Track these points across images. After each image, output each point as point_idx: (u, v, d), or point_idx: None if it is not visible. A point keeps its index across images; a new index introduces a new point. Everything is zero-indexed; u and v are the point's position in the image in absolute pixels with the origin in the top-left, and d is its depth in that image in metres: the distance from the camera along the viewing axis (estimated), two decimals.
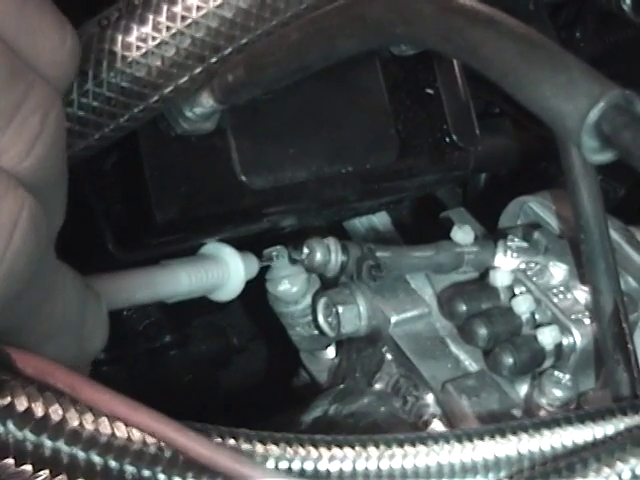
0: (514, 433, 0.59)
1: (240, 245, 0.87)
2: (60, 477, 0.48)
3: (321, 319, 0.83)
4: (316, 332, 0.86)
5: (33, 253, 0.49)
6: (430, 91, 0.92)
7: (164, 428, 0.49)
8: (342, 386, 0.84)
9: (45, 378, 0.51)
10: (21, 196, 0.48)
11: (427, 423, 0.76)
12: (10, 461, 0.48)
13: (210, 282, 0.81)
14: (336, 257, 0.80)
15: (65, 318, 0.56)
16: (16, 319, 0.52)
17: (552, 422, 0.60)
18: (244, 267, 0.83)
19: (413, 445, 0.57)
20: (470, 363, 0.79)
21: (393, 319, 0.80)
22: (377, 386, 0.81)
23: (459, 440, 0.58)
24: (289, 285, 0.86)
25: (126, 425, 0.50)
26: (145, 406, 0.50)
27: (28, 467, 0.48)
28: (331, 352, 0.92)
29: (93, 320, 0.60)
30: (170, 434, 0.49)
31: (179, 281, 0.79)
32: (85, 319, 0.59)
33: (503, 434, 0.59)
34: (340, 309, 0.80)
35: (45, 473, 0.48)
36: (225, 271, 0.82)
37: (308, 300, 0.87)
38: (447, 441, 0.58)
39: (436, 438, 0.58)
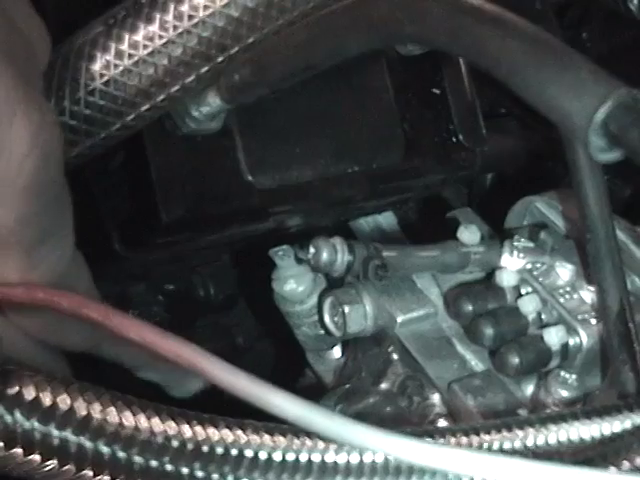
0: (521, 427, 0.59)
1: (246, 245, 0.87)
2: (68, 467, 0.49)
3: (327, 319, 0.83)
4: (322, 332, 0.86)
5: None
6: (436, 91, 0.92)
7: (190, 353, 0.50)
8: (348, 386, 0.84)
9: (79, 310, 0.52)
10: None
11: (433, 423, 0.76)
12: (18, 450, 0.48)
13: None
14: (342, 257, 0.79)
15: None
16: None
17: (558, 417, 0.60)
18: None
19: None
20: (476, 363, 0.78)
21: (399, 319, 0.80)
22: (383, 386, 0.81)
23: (466, 434, 0.58)
24: (295, 285, 0.86)
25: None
26: (172, 334, 0.50)
27: (36, 457, 0.48)
28: (337, 352, 0.92)
29: None
30: (196, 359, 0.50)
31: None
32: None
33: (510, 428, 0.59)
34: (346, 309, 0.80)
35: (53, 463, 0.48)
36: None
37: (314, 300, 0.87)
38: (454, 435, 0.58)
39: (443, 432, 0.58)
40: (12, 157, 0.51)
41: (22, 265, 0.56)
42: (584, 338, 0.76)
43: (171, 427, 0.51)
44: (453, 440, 0.58)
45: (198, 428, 0.52)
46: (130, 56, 0.66)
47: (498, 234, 0.86)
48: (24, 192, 0.53)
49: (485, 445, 0.58)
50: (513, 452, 0.58)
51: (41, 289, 0.54)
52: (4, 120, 0.50)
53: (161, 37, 0.65)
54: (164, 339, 0.50)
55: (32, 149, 0.52)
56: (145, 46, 0.65)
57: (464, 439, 0.58)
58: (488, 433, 0.59)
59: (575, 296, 0.79)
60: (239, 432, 0.53)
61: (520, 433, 0.59)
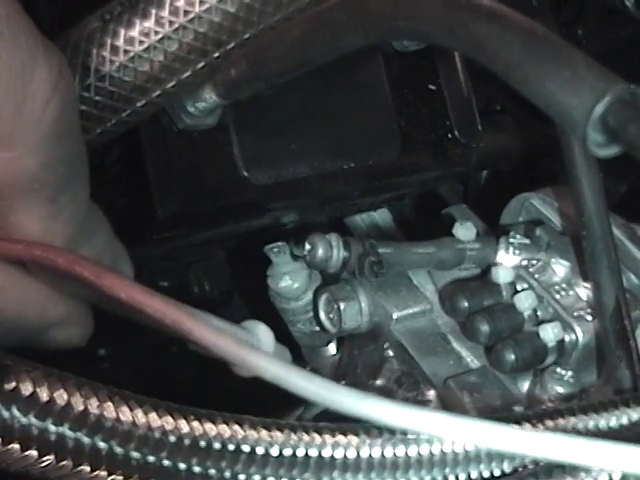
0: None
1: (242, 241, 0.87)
2: (65, 462, 0.49)
3: (322, 315, 0.82)
4: (317, 328, 0.86)
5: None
6: (432, 87, 0.92)
7: (176, 312, 0.50)
8: (343, 382, 0.84)
9: (73, 267, 0.52)
10: None
11: None
12: (15, 446, 0.48)
13: None
14: (338, 253, 0.79)
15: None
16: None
17: (555, 412, 0.60)
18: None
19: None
20: (472, 359, 0.78)
21: (395, 315, 0.80)
22: (378, 382, 0.81)
23: None
24: (290, 281, 0.86)
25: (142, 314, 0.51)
26: (160, 293, 0.51)
27: (33, 452, 0.48)
28: (332, 348, 0.92)
29: (122, 253, 0.68)
30: (181, 319, 0.50)
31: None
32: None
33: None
34: (341, 305, 0.80)
35: (50, 458, 0.48)
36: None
37: (309, 296, 0.87)
38: None
39: None
40: (35, 104, 0.52)
41: (45, 213, 0.57)
42: (580, 335, 0.76)
43: (168, 422, 0.51)
44: None
45: (195, 423, 0.52)
46: (126, 52, 0.65)
47: (494, 231, 0.87)
48: (47, 138, 0.53)
49: None
50: None
51: (39, 246, 0.55)
52: (27, 67, 0.51)
53: (157, 33, 0.65)
54: (152, 299, 0.50)
55: (53, 95, 0.53)
56: (141, 42, 0.65)
57: None
58: None
59: (571, 293, 0.79)
60: (236, 427, 0.53)
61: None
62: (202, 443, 0.52)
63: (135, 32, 0.65)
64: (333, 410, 0.51)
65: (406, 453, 0.56)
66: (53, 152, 0.55)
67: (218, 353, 0.49)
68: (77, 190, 0.59)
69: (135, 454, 0.50)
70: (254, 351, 0.49)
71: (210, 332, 0.49)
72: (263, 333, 0.79)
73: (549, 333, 0.76)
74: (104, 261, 0.63)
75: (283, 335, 0.90)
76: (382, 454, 0.55)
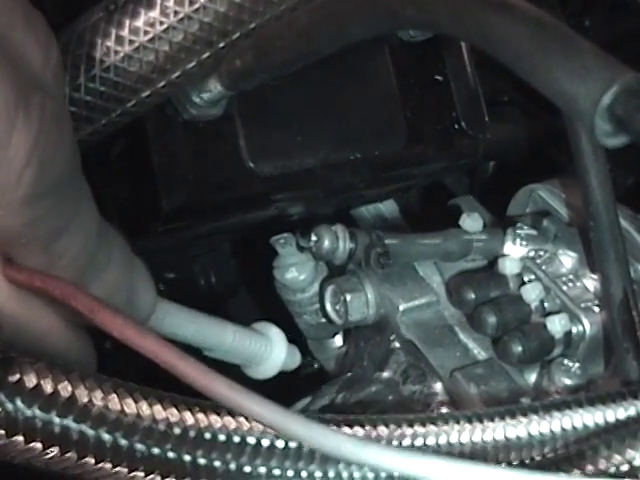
0: (524, 415, 0.59)
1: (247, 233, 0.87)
2: (69, 455, 0.48)
3: (329, 307, 0.82)
4: (323, 320, 0.86)
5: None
6: (439, 78, 0.92)
7: (168, 353, 0.49)
8: (349, 374, 0.84)
9: (69, 300, 0.52)
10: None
11: (435, 411, 0.76)
12: (19, 438, 0.48)
13: (250, 351, 0.81)
14: (344, 244, 0.79)
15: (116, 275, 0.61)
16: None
17: (562, 404, 0.60)
18: (286, 354, 0.82)
19: (423, 425, 0.57)
20: (479, 351, 0.78)
21: (401, 307, 0.79)
22: (385, 374, 0.80)
23: (469, 421, 0.58)
24: (297, 273, 0.86)
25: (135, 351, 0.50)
26: (153, 333, 0.50)
27: (38, 444, 0.48)
28: (339, 340, 0.92)
29: (142, 283, 0.64)
30: (172, 360, 0.49)
31: (224, 333, 0.78)
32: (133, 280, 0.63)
33: (513, 415, 0.59)
34: (348, 297, 0.80)
35: (54, 450, 0.48)
36: (267, 349, 0.81)
37: (316, 288, 0.87)
38: (457, 422, 0.58)
39: (446, 419, 0.58)
40: (10, 169, 0.50)
41: (42, 262, 0.55)
42: (587, 326, 0.76)
43: (173, 414, 0.51)
44: (457, 427, 0.58)
45: (200, 415, 0.52)
46: (131, 42, 0.65)
47: (500, 222, 0.86)
48: (25, 200, 0.51)
49: (488, 431, 0.58)
50: (517, 439, 0.58)
51: (39, 276, 0.54)
52: (2, 135, 0.49)
53: (162, 23, 0.65)
54: (145, 340, 0.49)
55: (31, 159, 0.50)
56: (146, 32, 0.65)
57: (468, 426, 0.58)
58: (491, 420, 0.59)
59: (578, 284, 0.79)
60: (242, 419, 0.53)
61: (524, 420, 0.59)
62: (207, 435, 0.51)
63: (140, 22, 0.65)
64: (333, 457, 0.51)
65: (412, 444, 0.56)
66: (35, 210, 0.53)
67: (213, 398, 0.49)
68: (76, 231, 0.57)
69: (140, 446, 0.49)
70: (248, 395, 0.49)
71: (203, 375, 0.49)
72: (275, 334, 0.80)
73: (556, 325, 0.76)
74: (119, 294, 0.61)
75: (289, 327, 0.90)
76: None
